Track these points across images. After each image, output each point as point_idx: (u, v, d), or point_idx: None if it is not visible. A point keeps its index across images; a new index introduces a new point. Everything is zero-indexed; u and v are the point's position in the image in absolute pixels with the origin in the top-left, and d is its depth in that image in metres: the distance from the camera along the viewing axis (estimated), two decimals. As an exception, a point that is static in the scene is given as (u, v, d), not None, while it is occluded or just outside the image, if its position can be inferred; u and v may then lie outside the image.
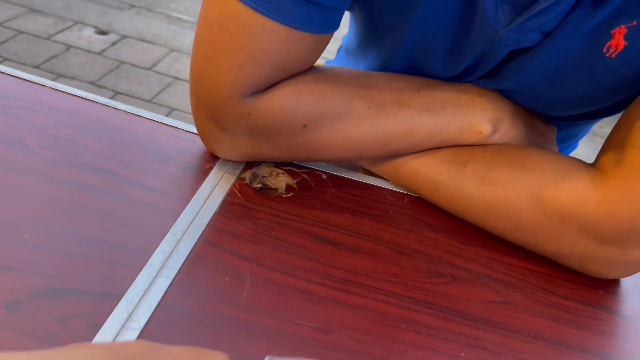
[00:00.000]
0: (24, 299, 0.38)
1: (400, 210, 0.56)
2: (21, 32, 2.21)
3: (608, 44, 0.44)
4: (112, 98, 0.71)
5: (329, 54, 0.89)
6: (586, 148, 0.58)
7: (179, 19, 2.55)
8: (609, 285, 0.53)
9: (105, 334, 0.37)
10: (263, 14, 0.45)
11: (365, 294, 0.46)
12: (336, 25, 0.50)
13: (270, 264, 0.46)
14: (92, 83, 2.01)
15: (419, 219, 0.55)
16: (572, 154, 0.77)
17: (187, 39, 2.41)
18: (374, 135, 0.52)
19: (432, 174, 0.55)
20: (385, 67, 0.58)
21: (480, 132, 0.53)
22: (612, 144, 0.50)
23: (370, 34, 0.59)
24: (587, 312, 0.49)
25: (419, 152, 0.55)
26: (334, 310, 0.43)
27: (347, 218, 0.53)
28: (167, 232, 0.46)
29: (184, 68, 2.23)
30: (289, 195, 0.54)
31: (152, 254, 0.44)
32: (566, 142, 0.75)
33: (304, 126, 0.51)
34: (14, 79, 0.62)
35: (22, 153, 0.51)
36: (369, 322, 0.43)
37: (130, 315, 0.39)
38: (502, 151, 0.54)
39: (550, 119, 0.61)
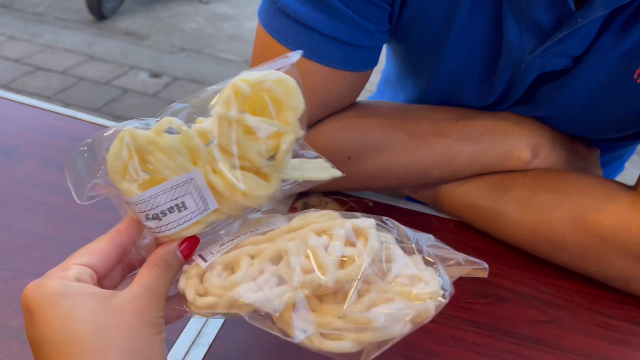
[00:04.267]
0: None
1: (445, 235, 0.58)
2: (82, 79, 2.37)
3: (638, 70, 0.46)
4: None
5: (372, 86, 0.93)
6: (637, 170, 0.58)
7: (227, 60, 2.67)
8: (658, 305, 0.53)
9: None
10: (307, 57, 0.49)
11: (414, 314, 0.48)
12: (374, 63, 0.54)
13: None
14: (147, 123, 2.13)
15: (463, 242, 0.57)
16: (619, 177, 0.77)
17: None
18: (415, 164, 0.55)
19: (474, 201, 0.57)
20: (422, 98, 0.62)
21: (520, 159, 0.55)
22: (651, 166, 0.51)
23: (407, 67, 0.63)
24: (635, 330, 0.50)
25: (460, 179, 0.58)
26: (384, 330, 0.46)
27: (394, 243, 0.56)
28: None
29: (232, 106, 2.32)
30: (338, 222, 0.58)
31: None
32: (611, 164, 0.75)
33: (348, 158, 0.55)
34: (84, 122, 0.69)
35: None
36: (417, 339, 0.46)
37: None
38: (543, 176, 0.56)
39: (592, 142, 0.62)
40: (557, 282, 0.54)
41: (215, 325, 0.44)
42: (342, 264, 0.31)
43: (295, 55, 0.35)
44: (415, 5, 0.50)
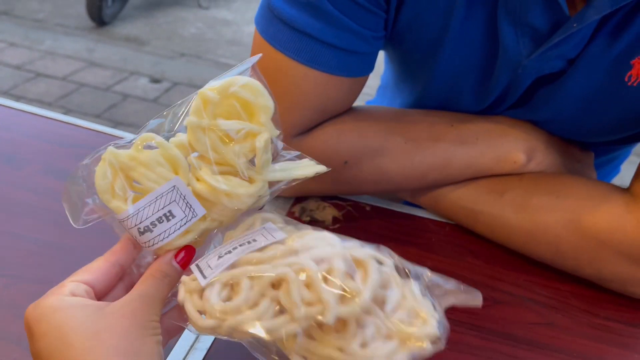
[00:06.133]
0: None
1: (442, 238, 0.59)
2: (83, 85, 2.38)
3: (629, 73, 0.47)
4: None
5: (371, 90, 0.94)
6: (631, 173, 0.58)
7: (227, 65, 2.68)
8: (654, 306, 0.53)
9: None
10: (304, 64, 0.50)
11: (411, 317, 0.48)
12: (370, 68, 0.54)
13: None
14: (148, 129, 2.14)
15: (460, 245, 0.58)
16: (616, 179, 0.78)
17: (234, 82, 2.52)
18: (412, 168, 0.56)
19: (471, 204, 0.57)
20: (419, 103, 0.62)
21: (515, 162, 0.56)
22: (645, 169, 0.51)
23: (403, 73, 0.64)
24: (631, 332, 0.50)
25: (456, 183, 0.58)
26: (381, 333, 0.46)
27: (391, 247, 0.56)
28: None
29: (232, 110, 2.33)
30: (336, 226, 0.58)
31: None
32: (606, 166, 0.75)
33: (345, 162, 0.56)
34: (84, 130, 0.70)
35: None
36: (414, 343, 0.46)
37: None
38: (538, 179, 0.56)
39: (587, 145, 0.62)
40: (553, 284, 0.54)
41: None
42: (342, 297, 0.31)
43: (255, 58, 0.37)
44: (410, 11, 0.51)
